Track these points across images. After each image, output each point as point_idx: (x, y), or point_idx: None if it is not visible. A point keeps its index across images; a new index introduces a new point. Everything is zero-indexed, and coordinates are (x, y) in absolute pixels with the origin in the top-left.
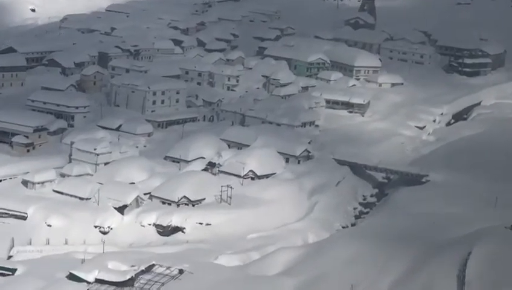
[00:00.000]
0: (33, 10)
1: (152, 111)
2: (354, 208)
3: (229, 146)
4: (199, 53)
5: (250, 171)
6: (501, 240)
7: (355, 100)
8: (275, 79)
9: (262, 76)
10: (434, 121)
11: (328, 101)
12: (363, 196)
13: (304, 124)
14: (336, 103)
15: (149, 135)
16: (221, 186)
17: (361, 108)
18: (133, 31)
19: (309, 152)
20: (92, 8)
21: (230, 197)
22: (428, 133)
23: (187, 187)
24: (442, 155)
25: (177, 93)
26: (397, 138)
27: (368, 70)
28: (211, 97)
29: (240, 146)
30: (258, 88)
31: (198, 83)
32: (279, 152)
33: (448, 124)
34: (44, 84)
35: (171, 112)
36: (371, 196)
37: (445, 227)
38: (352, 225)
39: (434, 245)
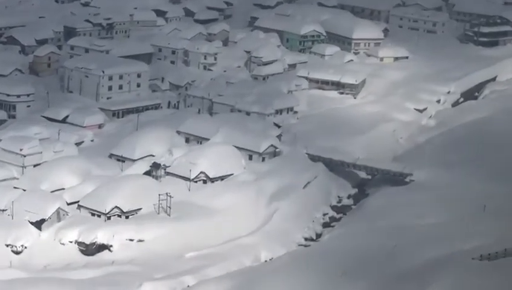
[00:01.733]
0: None
1: (108, 98)
2: (324, 214)
3: (187, 140)
4: (177, 26)
5: (202, 173)
6: (461, 274)
7: (346, 80)
8: (256, 57)
9: (246, 52)
10: (438, 101)
11: (316, 81)
12: (339, 197)
13: (279, 111)
14: (325, 82)
15: (100, 126)
16: (159, 195)
17: (353, 88)
18: (113, 1)
19: (276, 148)
20: None
21: (170, 207)
22: (430, 117)
23: (121, 195)
24: (437, 146)
25: (138, 76)
26: (389, 125)
27: (369, 43)
28: (178, 80)
29: (200, 140)
30: (238, 67)
31: (172, 62)
32: (241, 148)
33: (456, 103)
34: None
35: (130, 98)
36: (348, 197)
37: (409, 250)
38: (318, 235)
39: (384, 279)
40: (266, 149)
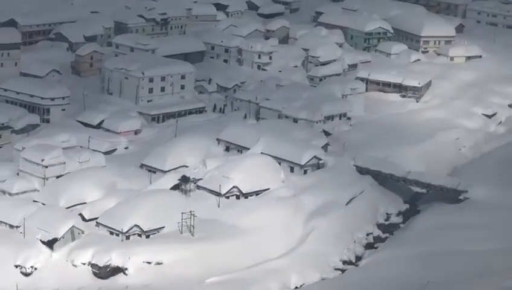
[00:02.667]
0: None
1: (148, 101)
2: (368, 234)
3: (227, 149)
4: (234, 23)
5: (234, 187)
6: None
7: (409, 82)
8: (313, 56)
9: (305, 50)
10: (510, 106)
11: (377, 83)
12: (387, 214)
13: (330, 118)
14: (387, 85)
15: (136, 132)
16: (182, 214)
17: (416, 91)
18: None
19: (319, 159)
20: None
21: (193, 227)
22: (499, 123)
23: (142, 213)
24: (504, 157)
25: (183, 78)
26: (452, 132)
27: (439, 41)
28: (226, 81)
29: (240, 149)
30: (295, 66)
31: (225, 61)
32: (282, 159)
33: None
34: (23, 68)
35: (173, 101)
36: (398, 214)
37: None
38: (358, 258)
39: None
40: (309, 161)
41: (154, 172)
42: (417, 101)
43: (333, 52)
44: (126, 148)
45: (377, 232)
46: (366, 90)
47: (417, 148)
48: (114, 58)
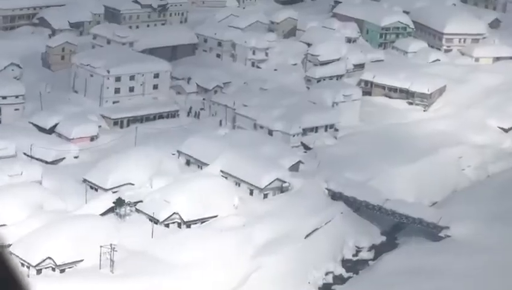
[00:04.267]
0: None
1: (114, 102)
2: (327, 273)
3: (188, 163)
4: (234, 12)
5: (175, 213)
6: None
7: (416, 87)
8: (312, 55)
9: (308, 45)
10: None
11: (383, 87)
12: (357, 248)
13: (313, 129)
14: (393, 90)
15: (92, 139)
16: (101, 247)
17: (424, 98)
18: None
19: (283, 182)
20: None
21: (113, 261)
22: None
23: (59, 242)
24: (509, 181)
25: (156, 77)
26: (456, 149)
27: (464, 39)
28: (207, 81)
29: (201, 165)
30: (294, 64)
31: (218, 56)
32: (242, 180)
33: None
34: None
35: (144, 103)
36: (370, 248)
37: None
38: None
39: None
40: (270, 184)
41: (96, 189)
42: (424, 110)
43: (337, 49)
44: (76, 157)
45: (340, 270)
46: (371, 95)
47: (410, 167)
48: (82, 52)
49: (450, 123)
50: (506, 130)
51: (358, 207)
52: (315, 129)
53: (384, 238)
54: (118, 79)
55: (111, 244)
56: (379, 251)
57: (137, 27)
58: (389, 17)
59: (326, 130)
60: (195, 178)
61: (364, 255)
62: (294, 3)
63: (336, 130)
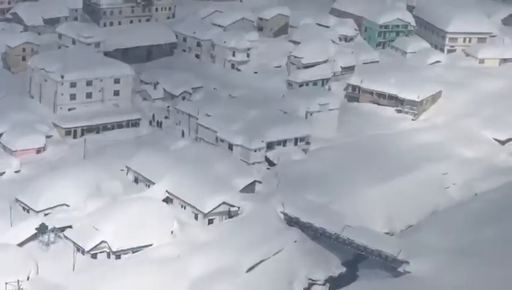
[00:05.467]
0: None
1: (70, 109)
2: None
3: (136, 181)
4: (219, 8)
5: (104, 242)
6: None
7: (406, 94)
8: (296, 57)
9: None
10: None
11: (371, 92)
12: (310, 281)
13: (281, 143)
14: (382, 96)
15: (38, 151)
16: (6, 284)
17: (413, 107)
18: None
19: (231, 206)
20: None
21: None
22: None
23: None
24: (495, 203)
25: (117, 82)
26: (441, 165)
27: (470, 38)
28: (175, 86)
29: (149, 183)
30: (278, 67)
31: (197, 56)
32: (187, 204)
33: None
34: None
35: (103, 110)
36: (326, 282)
37: None
38: None
39: None
40: (215, 208)
41: (28, 211)
42: (413, 119)
43: (324, 50)
44: (17, 171)
45: None
46: (358, 101)
47: (385, 186)
48: (39, 54)
49: (440, 134)
50: (502, 142)
51: (316, 235)
52: (283, 143)
53: (344, 269)
54: (73, 85)
55: (18, 281)
56: (336, 284)
57: (119, 23)
58: (388, 14)
59: (296, 144)
60: (132, 201)
61: (318, 289)
62: None
63: (308, 143)
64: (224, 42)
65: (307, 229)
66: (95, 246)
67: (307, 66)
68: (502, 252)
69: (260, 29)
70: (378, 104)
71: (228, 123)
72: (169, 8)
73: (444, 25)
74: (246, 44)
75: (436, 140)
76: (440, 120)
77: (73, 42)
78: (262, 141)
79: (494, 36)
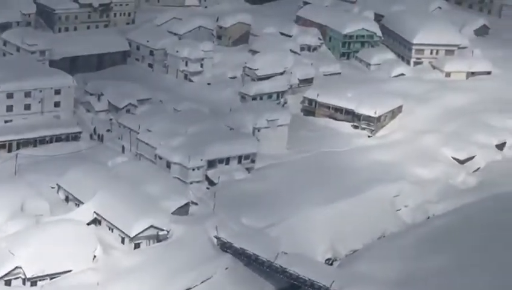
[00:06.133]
0: None
1: (6, 122)
2: None
3: (67, 200)
4: (176, 15)
5: (18, 268)
6: None
7: (363, 110)
8: (250, 68)
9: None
10: (500, 146)
11: (328, 107)
12: None
13: (223, 161)
14: (339, 110)
15: None
16: None
17: (370, 123)
18: None
19: (159, 229)
20: None
21: None
22: (476, 170)
23: None
24: (445, 229)
25: (57, 93)
26: (393, 186)
27: (437, 50)
28: (119, 98)
29: (79, 203)
30: (233, 78)
31: (150, 66)
32: (114, 226)
33: None
34: None
35: (42, 123)
36: None
37: None
38: None
39: None
40: (142, 232)
41: None
42: (370, 136)
43: (280, 62)
44: None
45: None
46: (314, 115)
47: (331, 208)
48: None
49: (396, 152)
50: (461, 162)
51: (249, 261)
52: (226, 161)
53: None
54: (10, 96)
55: None
56: None
57: (75, 29)
58: (353, 24)
59: (240, 162)
60: (54, 224)
61: None
62: (268, 1)
63: (253, 161)
64: (177, 52)
65: (240, 256)
66: (9, 272)
67: (262, 78)
68: (446, 282)
69: (219, 37)
70: (335, 119)
71: (169, 139)
72: (129, 14)
73: (411, 36)
74: (199, 54)
75: (391, 158)
76: (398, 137)
77: (18, 50)
78: (202, 159)
79: (464, 48)
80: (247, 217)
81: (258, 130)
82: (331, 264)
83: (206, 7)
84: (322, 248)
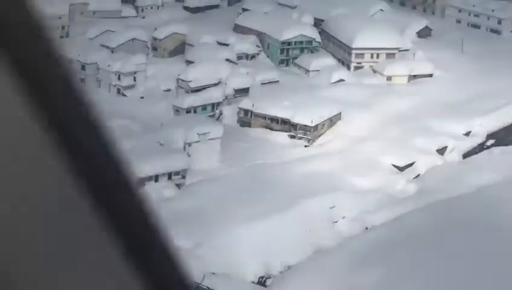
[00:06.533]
0: None
1: None
2: None
3: None
4: (110, 27)
5: None
6: None
7: (299, 119)
8: (183, 80)
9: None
10: (441, 150)
11: (263, 117)
12: None
13: (152, 178)
14: (275, 120)
15: None
16: None
17: (307, 132)
18: None
19: None
20: None
21: None
22: (416, 177)
23: None
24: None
25: None
26: (328, 197)
27: (377, 54)
28: None
29: None
30: (167, 90)
31: (82, 80)
32: None
33: (474, 152)
34: None
35: None
36: None
37: None
38: None
39: None
40: None
41: None
42: (306, 145)
43: (215, 72)
44: None
45: None
46: (250, 126)
47: (264, 223)
48: None
49: (333, 162)
50: (400, 169)
51: None
52: (155, 178)
53: None
54: None
55: None
56: None
57: None
58: (290, 30)
59: (170, 178)
60: None
61: None
62: (209, 9)
63: (183, 177)
64: (109, 66)
65: None
66: None
67: (196, 90)
68: None
69: (155, 49)
70: (271, 129)
71: None
72: (63, 27)
73: (350, 40)
74: (132, 67)
75: (328, 168)
76: (337, 146)
77: None
78: None
79: (406, 50)
80: (174, 237)
81: (189, 145)
82: (264, 281)
83: (143, 17)
84: (253, 266)
